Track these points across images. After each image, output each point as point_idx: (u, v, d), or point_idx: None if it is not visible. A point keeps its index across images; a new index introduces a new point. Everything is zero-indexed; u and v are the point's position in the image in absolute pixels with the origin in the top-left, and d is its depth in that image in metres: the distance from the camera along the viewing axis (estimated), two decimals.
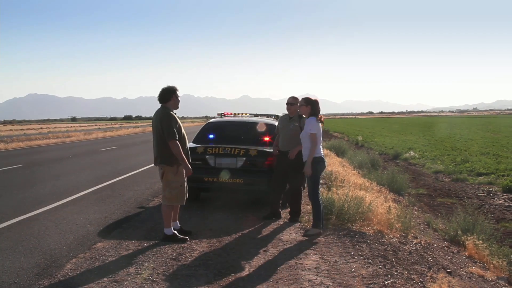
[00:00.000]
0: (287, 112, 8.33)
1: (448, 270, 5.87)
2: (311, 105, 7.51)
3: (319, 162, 7.42)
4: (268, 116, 11.13)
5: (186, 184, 7.02)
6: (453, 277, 5.56)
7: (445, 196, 13.11)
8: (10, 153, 25.20)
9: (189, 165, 6.88)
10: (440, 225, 9.00)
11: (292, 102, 8.25)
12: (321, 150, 7.54)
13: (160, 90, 6.87)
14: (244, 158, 8.82)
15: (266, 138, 9.38)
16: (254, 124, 10.11)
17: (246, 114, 11.74)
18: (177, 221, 7.34)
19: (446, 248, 7.28)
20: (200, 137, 9.81)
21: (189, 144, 9.52)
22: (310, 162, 7.29)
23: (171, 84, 6.97)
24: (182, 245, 6.77)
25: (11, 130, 68.86)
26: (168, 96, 6.83)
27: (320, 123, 7.47)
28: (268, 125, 9.90)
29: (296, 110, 8.22)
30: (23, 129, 69.37)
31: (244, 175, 8.70)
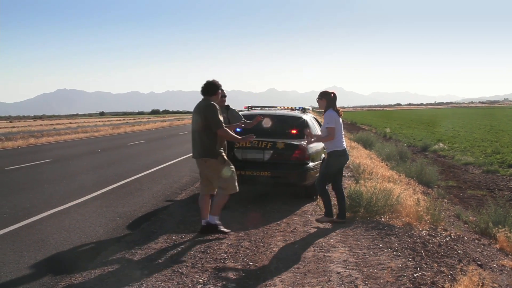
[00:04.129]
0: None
1: (479, 262, 5.79)
2: (326, 98, 7.48)
3: (340, 156, 7.41)
4: (295, 109, 11.10)
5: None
6: (484, 270, 5.48)
7: (476, 188, 12.93)
8: (40, 148, 25.65)
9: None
10: (471, 217, 8.88)
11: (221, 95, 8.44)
12: (343, 144, 7.51)
13: (205, 82, 6.93)
14: (271, 151, 8.82)
15: (294, 131, 9.34)
16: (281, 117, 10.09)
17: (275, 107, 11.74)
18: (210, 215, 7.21)
19: (476, 241, 7.18)
20: None
21: None
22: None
23: (212, 78, 7.01)
24: (211, 238, 6.81)
25: (41, 125, 70.07)
26: (214, 90, 6.91)
27: (339, 116, 7.43)
28: (296, 118, 9.87)
29: (224, 102, 8.32)
30: (53, 124, 70.52)
31: (271, 168, 8.70)
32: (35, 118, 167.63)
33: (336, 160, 7.40)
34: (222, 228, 7.05)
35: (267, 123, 9.04)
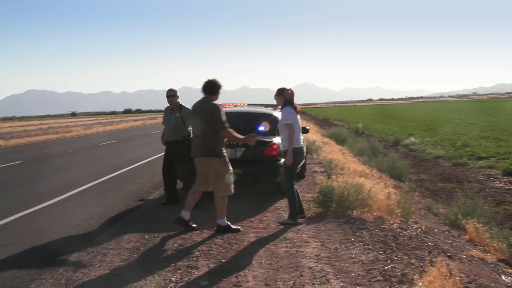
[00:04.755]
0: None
1: (449, 254, 5.89)
2: (283, 94, 7.46)
3: (297, 154, 7.34)
4: (267, 106, 11.11)
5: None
6: (453, 261, 5.59)
7: (446, 181, 13.13)
8: (10, 150, 25.21)
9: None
10: (441, 209, 9.03)
11: (171, 95, 8.76)
12: (301, 141, 7.50)
13: (206, 81, 6.95)
14: (243, 149, 8.83)
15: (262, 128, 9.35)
16: (253, 114, 10.10)
17: (244, 104, 11.73)
18: (188, 211, 7.18)
19: (446, 233, 7.31)
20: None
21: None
22: (290, 151, 7.23)
23: (213, 77, 7.06)
24: (184, 236, 6.79)
25: (11, 126, 68.90)
26: (216, 89, 6.95)
27: (296, 113, 7.42)
28: (267, 115, 9.88)
29: (176, 101, 8.76)
30: (23, 126, 69.42)
31: (243, 165, 8.70)
32: (4, 119, 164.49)
33: (294, 158, 7.28)
34: (233, 227, 7.05)
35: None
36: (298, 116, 7.52)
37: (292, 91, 7.47)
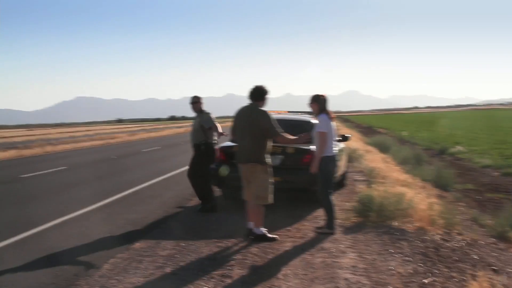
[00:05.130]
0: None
1: (494, 267, 5.62)
2: (318, 102, 7.32)
3: (330, 162, 7.21)
4: (307, 113, 10.98)
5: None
6: (499, 275, 5.32)
7: (494, 191, 12.65)
8: (57, 156, 25.85)
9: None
10: (488, 221, 8.67)
11: (193, 102, 9.16)
12: (334, 149, 7.33)
13: (253, 87, 6.96)
14: (282, 156, 8.72)
15: None
16: (292, 121, 9.98)
17: (285, 112, 11.64)
18: (251, 222, 7.15)
19: (493, 245, 6.99)
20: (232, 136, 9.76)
21: (227, 143, 9.51)
22: (317, 160, 7.14)
23: (260, 84, 7.07)
24: (219, 244, 6.73)
25: (60, 132, 70.90)
26: (263, 95, 6.95)
27: (331, 121, 7.28)
28: (306, 123, 9.75)
29: (198, 107, 9.13)
30: (71, 132, 71.37)
31: (281, 173, 8.56)
32: (54, 126, 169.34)
33: (327, 165, 7.18)
34: (270, 235, 6.95)
35: None
36: (334, 123, 7.38)
37: (324, 97, 7.35)
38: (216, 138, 9.10)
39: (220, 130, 8.97)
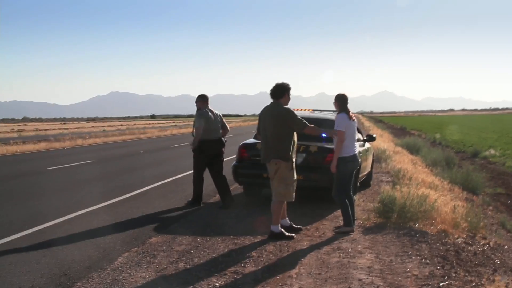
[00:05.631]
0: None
1: None
2: (338, 101, 7.27)
3: (348, 162, 7.11)
4: (327, 111, 10.84)
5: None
6: None
7: None
8: (86, 149, 26.29)
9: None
10: None
11: (196, 100, 9.36)
12: (355, 149, 7.23)
13: (274, 85, 6.95)
14: (304, 155, 8.63)
15: None
16: (316, 119, 9.85)
17: (310, 110, 11.51)
18: (287, 218, 7.25)
19: None
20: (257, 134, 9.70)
21: (250, 140, 9.45)
22: (335, 159, 7.09)
23: (281, 81, 7.00)
24: (235, 241, 6.67)
25: (93, 127, 71.99)
26: (283, 91, 6.91)
27: (352, 120, 7.17)
28: (330, 121, 9.60)
29: (197, 106, 9.29)
30: (104, 126, 72.50)
31: (304, 172, 8.45)
32: (88, 120, 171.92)
33: (344, 167, 7.10)
34: (287, 234, 6.88)
35: None
36: (354, 123, 7.25)
37: (344, 96, 7.25)
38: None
39: (197, 133, 9.05)
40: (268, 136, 6.85)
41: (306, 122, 6.84)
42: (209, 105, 9.33)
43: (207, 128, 8.96)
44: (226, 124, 9.53)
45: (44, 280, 5.24)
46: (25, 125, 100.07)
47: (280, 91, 6.88)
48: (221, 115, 9.38)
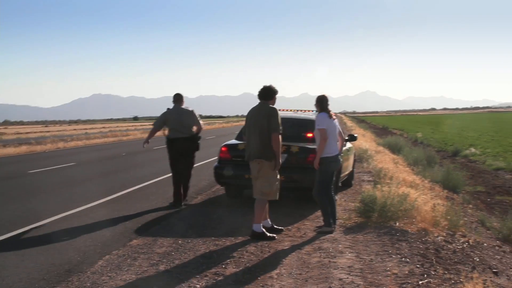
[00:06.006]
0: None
1: (495, 270, 5.49)
2: (318, 102, 7.39)
3: (330, 162, 7.19)
4: (307, 111, 10.87)
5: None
6: (499, 278, 5.19)
7: (505, 194, 12.45)
8: (67, 152, 26.01)
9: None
10: (495, 223, 8.51)
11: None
12: (336, 149, 7.32)
13: (262, 88, 7.07)
14: (286, 155, 8.61)
15: (309, 135, 9.09)
16: (296, 120, 9.87)
17: (291, 110, 11.54)
18: (268, 219, 7.25)
19: (497, 248, 6.87)
20: (243, 134, 9.69)
21: (231, 141, 9.44)
22: (318, 157, 7.16)
23: (269, 84, 7.15)
24: (217, 242, 6.65)
25: (75, 129, 71.39)
26: (272, 94, 7.05)
27: (332, 120, 7.27)
28: (311, 121, 9.62)
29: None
30: (86, 129, 71.94)
31: (285, 172, 8.44)
32: (70, 123, 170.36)
33: (326, 167, 7.16)
34: (269, 234, 6.88)
35: None
36: (336, 122, 7.31)
37: (324, 98, 7.35)
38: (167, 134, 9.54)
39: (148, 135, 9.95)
40: (252, 135, 6.91)
41: (280, 130, 6.86)
42: (183, 103, 9.64)
43: (170, 127, 9.40)
44: (200, 121, 9.71)
45: (22, 285, 5.19)
46: (5, 128, 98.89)
47: (269, 93, 7.03)
48: (194, 112, 9.51)
